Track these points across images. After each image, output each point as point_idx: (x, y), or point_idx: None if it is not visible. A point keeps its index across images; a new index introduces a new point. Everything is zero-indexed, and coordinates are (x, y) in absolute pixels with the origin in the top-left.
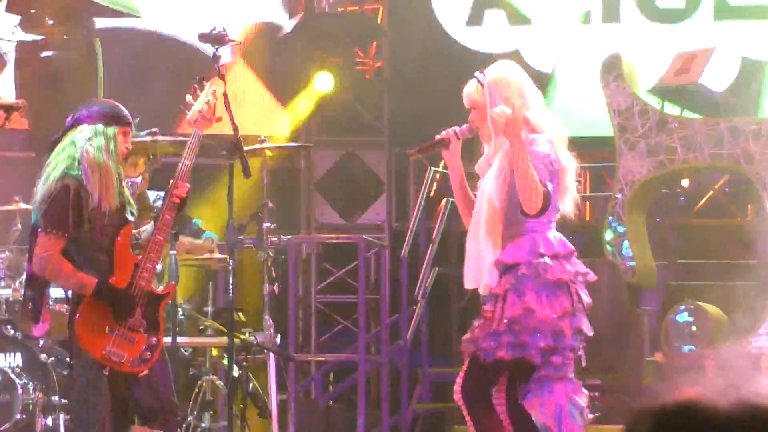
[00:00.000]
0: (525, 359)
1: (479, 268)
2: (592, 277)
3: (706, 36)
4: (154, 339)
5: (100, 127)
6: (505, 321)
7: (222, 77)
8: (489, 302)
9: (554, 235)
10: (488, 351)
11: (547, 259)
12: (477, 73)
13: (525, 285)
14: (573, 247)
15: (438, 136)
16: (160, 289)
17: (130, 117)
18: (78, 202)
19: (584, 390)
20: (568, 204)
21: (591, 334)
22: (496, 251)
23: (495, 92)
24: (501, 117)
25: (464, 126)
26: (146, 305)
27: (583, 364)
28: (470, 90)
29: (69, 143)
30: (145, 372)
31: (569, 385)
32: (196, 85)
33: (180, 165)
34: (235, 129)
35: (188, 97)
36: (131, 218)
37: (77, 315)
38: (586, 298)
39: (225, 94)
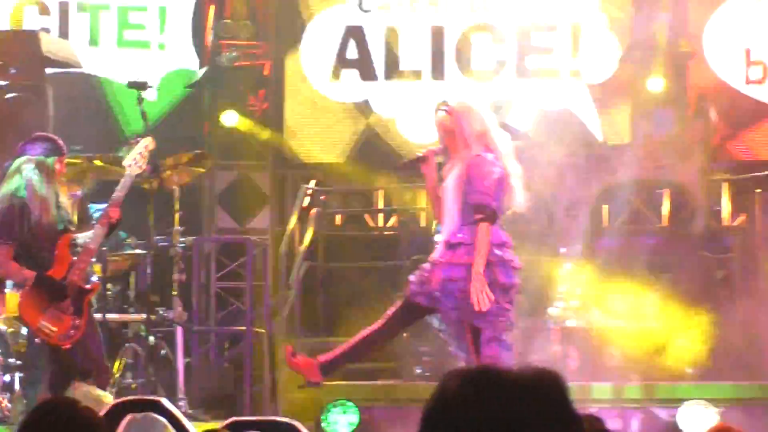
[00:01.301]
0: (438, 310)
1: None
2: (516, 263)
3: (510, 91)
4: (78, 321)
5: (41, 157)
6: (438, 283)
7: (144, 116)
8: (428, 266)
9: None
10: (413, 294)
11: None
12: (443, 106)
13: (459, 260)
14: (506, 239)
15: (418, 154)
16: (95, 279)
17: (65, 148)
18: (21, 217)
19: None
20: (513, 201)
21: (508, 306)
22: (450, 232)
23: (462, 118)
24: None
25: (438, 147)
26: (75, 295)
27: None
28: (441, 119)
29: (16, 169)
30: (68, 346)
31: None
32: (132, 141)
33: (114, 195)
34: (154, 157)
35: (124, 148)
36: (71, 227)
37: (20, 297)
38: (505, 279)
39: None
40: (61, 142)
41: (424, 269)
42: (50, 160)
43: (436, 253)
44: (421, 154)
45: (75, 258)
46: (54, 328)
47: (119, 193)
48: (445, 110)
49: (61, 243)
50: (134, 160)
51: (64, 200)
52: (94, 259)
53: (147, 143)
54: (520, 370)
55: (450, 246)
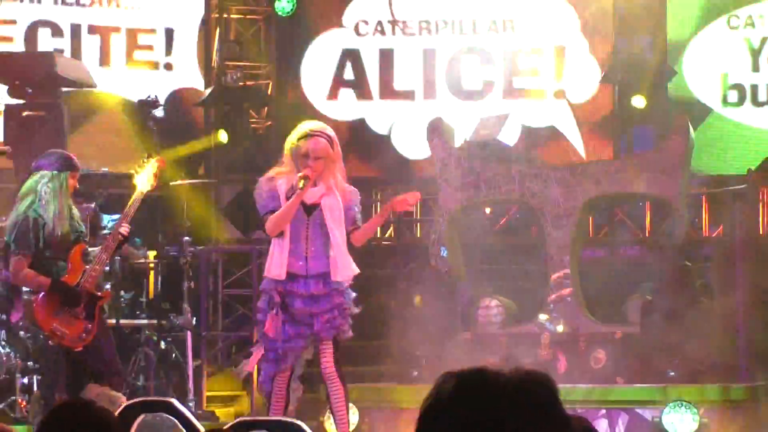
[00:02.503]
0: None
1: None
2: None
3: (497, 109)
4: (90, 326)
5: (55, 172)
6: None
7: (154, 133)
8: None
9: None
10: (345, 332)
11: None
12: (318, 132)
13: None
14: None
15: (306, 174)
16: (107, 287)
17: (78, 163)
18: (36, 229)
19: None
20: None
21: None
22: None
23: (337, 147)
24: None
25: (309, 170)
26: (88, 301)
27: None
28: (323, 145)
29: (32, 183)
30: (80, 348)
31: None
32: (143, 159)
33: (125, 211)
34: (163, 174)
35: (136, 167)
36: (83, 237)
37: (35, 302)
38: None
39: (161, 159)
40: (74, 158)
41: (301, 309)
42: (63, 175)
43: (312, 287)
44: (308, 175)
45: (87, 267)
46: (66, 331)
47: (130, 209)
48: (325, 137)
49: (75, 252)
50: (146, 177)
51: (77, 213)
52: (107, 268)
53: (158, 162)
54: (512, 373)
55: (322, 276)
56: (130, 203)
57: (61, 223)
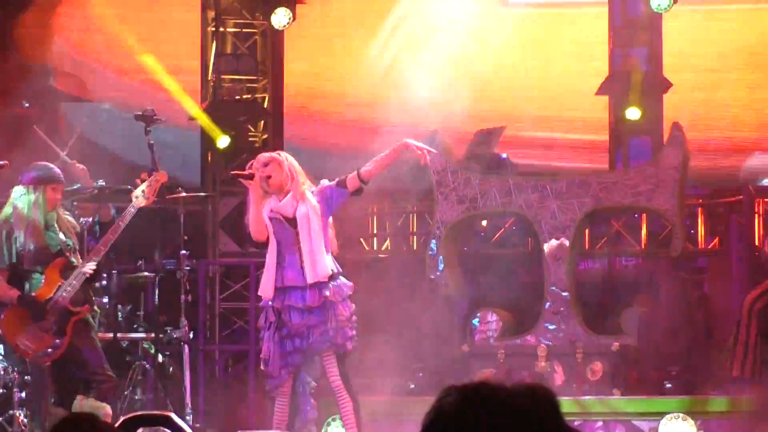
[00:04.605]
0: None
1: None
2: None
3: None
4: (58, 341)
5: (30, 187)
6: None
7: (151, 147)
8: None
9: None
10: (341, 345)
11: (342, 277)
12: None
13: (341, 295)
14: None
15: (249, 171)
16: (104, 301)
17: (60, 175)
18: (10, 242)
19: None
20: None
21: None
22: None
23: (290, 160)
24: None
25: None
26: (60, 316)
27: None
28: (263, 155)
29: (11, 197)
30: (47, 363)
31: None
32: (144, 174)
33: (115, 224)
34: (164, 184)
35: (137, 181)
36: (72, 249)
37: (3, 315)
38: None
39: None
40: (56, 169)
41: (298, 323)
42: (40, 188)
43: (326, 291)
44: (250, 171)
45: (65, 281)
46: (31, 346)
47: (120, 222)
48: (275, 155)
49: (53, 266)
50: (142, 192)
51: (73, 223)
52: (104, 283)
53: (159, 177)
54: (513, 387)
55: (333, 278)
56: (121, 216)
57: (34, 236)
